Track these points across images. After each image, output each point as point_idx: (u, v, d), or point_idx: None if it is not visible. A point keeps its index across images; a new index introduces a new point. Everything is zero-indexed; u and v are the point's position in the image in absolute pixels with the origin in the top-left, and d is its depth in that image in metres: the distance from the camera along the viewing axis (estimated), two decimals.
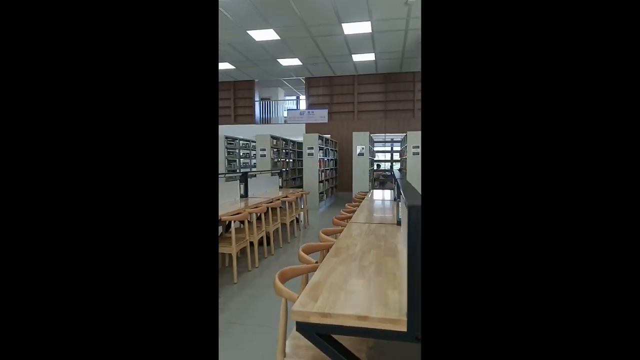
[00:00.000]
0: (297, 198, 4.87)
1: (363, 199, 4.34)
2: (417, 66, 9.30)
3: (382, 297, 1.17)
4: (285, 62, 8.89)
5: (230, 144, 7.60)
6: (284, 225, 4.37)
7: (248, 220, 3.24)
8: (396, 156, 11.25)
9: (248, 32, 6.85)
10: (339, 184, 9.67)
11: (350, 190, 9.96)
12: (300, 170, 8.48)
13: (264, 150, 6.85)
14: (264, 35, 7.03)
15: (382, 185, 9.25)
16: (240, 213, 3.05)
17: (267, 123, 11.20)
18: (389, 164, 11.23)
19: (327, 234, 2.18)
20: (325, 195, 7.64)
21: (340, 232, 2.36)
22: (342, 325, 1.05)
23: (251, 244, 3.34)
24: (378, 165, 10.52)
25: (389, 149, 11.22)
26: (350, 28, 6.71)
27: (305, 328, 1.08)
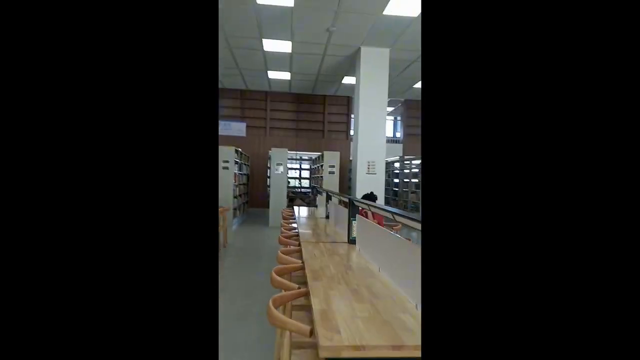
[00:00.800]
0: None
1: (291, 216, 4.27)
2: (328, 90, 9.77)
3: (400, 323, 1.13)
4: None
5: None
6: None
7: None
8: (305, 174, 11.49)
9: None
10: (249, 200, 9.37)
11: (262, 206, 9.77)
12: None
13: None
14: None
15: (291, 202, 9.29)
16: None
17: None
18: (298, 181, 11.39)
19: (286, 253, 2.06)
20: (238, 211, 7.29)
21: (295, 252, 2.26)
22: (376, 358, 0.98)
23: None
24: (288, 182, 10.57)
25: (297, 166, 11.41)
26: (271, 45, 6.70)
27: None
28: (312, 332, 1.09)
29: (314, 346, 1.44)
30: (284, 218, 4.23)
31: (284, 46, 6.73)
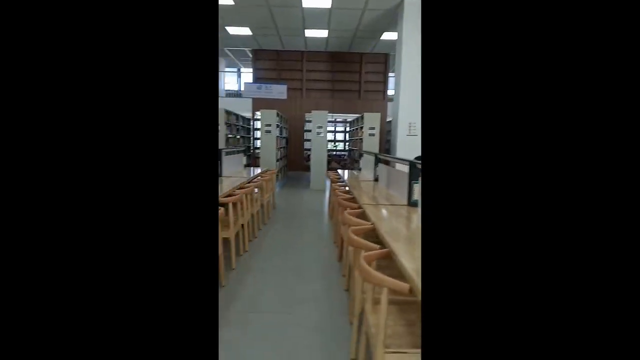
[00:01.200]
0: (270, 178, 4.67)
1: (339, 179, 4.33)
2: (365, 47, 9.40)
3: None
4: (234, 30, 8.23)
5: None
6: (262, 206, 4.17)
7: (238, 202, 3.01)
8: (339, 136, 11.42)
9: None
10: (288, 163, 9.52)
11: (300, 169, 9.91)
12: (249, 148, 8.13)
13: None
14: None
15: (328, 165, 9.35)
16: (233, 195, 2.81)
17: None
18: (333, 143, 11.36)
19: (353, 215, 2.12)
20: (280, 174, 7.46)
21: (356, 214, 2.32)
22: None
23: (242, 226, 3.12)
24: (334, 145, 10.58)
25: (332, 128, 11.34)
26: (310, 1, 6.45)
27: None
28: (411, 290, 1.15)
29: (408, 303, 1.53)
30: (332, 181, 4.29)
31: (323, 2, 6.47)
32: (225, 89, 12.30)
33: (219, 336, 1.89)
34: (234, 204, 2.79)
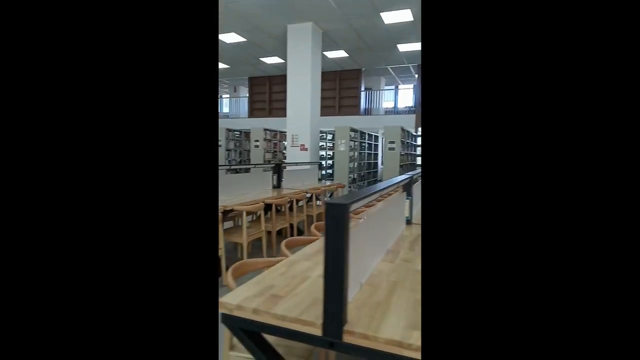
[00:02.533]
0: (326, 192, 4.82)
1: None
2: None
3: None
4: (404, 47, 8.18)
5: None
6: (310, 217, 4.35)
7: (274, 210, 3.26)
8: None
9: (381, 14, 6.26)
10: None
11: None
12: (370, 165, 8.48)
13: (342, 141, 7.02)
14: (397, 16, 6.35)
15: None
16: (255, 204, 3.08)
17: (369, 114, 10.74)
18: None
19: (319, 229, 2.10)
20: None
21: None
22: (268, 324, 0.99)
23: (276, 232, 3.36)
24: None
25: None
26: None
27: (228, 321, 1.03)
28: None
29: None
30: None
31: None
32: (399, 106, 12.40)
33: None
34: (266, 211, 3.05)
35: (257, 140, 8.37)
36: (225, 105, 13.53)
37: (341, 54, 8.64)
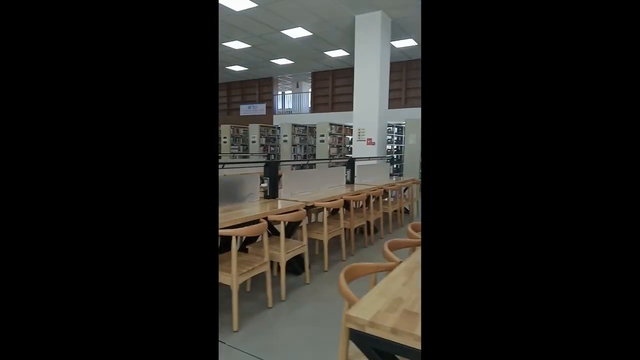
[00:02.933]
0: (402, 187, 4.57)
1: None
2: None
3: None
4: None
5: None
6: (385, 214, 4.15)
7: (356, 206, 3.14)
8: None
9: None
10: None
11: None
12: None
13: (413, 135, 6.72)
14: None
15: None
16: (334, 200, 2.97)
17: None
18: None
19: (416, 229, 1.91)
20: None
21: None
22: (408, 346, 0.84)
23: (353, 230, 3.24)
24: None
25: None
26: None
27: (359, 338, 0.90)
28: None
29: None
30: None
31: None
32: None
33: None
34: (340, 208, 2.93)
35: (322, 135, 8.33)
36: (287, 101, 13.75)
37: (409, 42, 8.24)
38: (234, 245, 1.91)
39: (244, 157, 9.92)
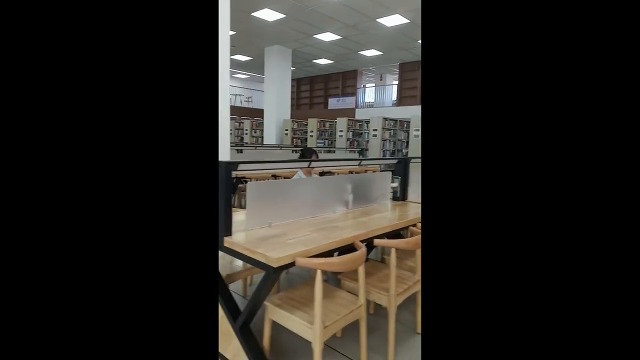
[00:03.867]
0: None
1: None
2: None
3: None
4: None
5: None
6: None
7: None
8: None
9: None
10: None
11: None
12: None
13: None
14: None
15: None
16: None
17: None
18: None
19: None
20: None
21: None
22: None
23: None
24: None
25: None
26: None
27: None
28: None
29: None
30: None
31: None
32: None
33: None
34: None
35: (417, 130, 7.80)
36: (368, 94, 13.34)
37: None
38: (319, 278, 1.30)
39: (329, 151, 9.79)
